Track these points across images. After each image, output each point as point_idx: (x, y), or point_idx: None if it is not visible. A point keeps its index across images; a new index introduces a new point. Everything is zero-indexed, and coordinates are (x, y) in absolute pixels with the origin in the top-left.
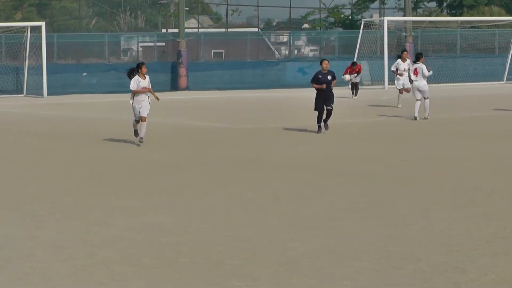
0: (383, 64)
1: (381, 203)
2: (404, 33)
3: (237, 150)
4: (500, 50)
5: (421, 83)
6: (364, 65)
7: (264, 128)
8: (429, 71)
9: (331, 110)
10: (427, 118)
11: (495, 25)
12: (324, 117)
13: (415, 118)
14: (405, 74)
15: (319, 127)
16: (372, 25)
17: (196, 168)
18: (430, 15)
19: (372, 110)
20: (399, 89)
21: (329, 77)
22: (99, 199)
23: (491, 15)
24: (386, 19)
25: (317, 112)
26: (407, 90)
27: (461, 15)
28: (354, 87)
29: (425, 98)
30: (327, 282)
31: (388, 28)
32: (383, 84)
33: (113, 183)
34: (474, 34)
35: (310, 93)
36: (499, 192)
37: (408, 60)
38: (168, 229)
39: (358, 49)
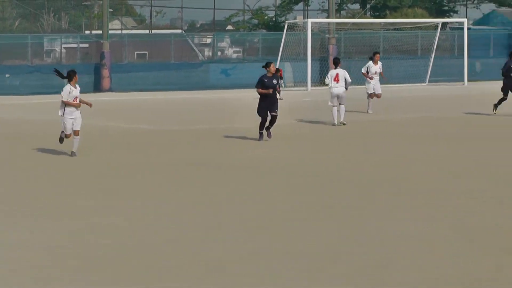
0: (306, 66)
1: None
2: (327, 35)
3: (177, 153)
4: (423, 52)
5: (341, 89)
6: (287, 66)
7: (197, 129)
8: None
9: (276, 116)
10: (344, 124)
11: (418, 27)
12: (267, 123)
13: (334, 124)
14: (376, 77)
15: (261, 134)
16: (296, 26)
17: (142, 171)
18: (353, 17)
19: (296, 111)
20: (369, 93)
21: (275, 81)
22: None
23: (414, 17)
24: (309, 21)
25: (260, 118)
26: (378, 96)
27: (384, 17)
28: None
29: (340, 104)
30: None
31: (311, 30)
32: (306, 86)
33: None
34: (397, 36)
35: (235, 95)
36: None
37: (380, 63)
38: (110, 232)
39: (282, 51)
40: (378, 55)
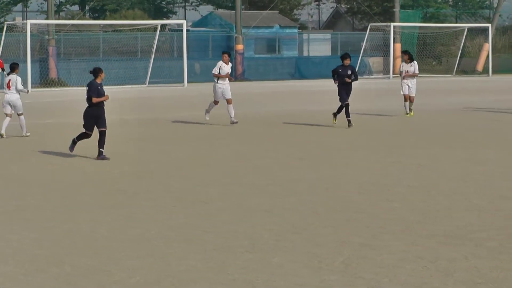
0: (26, 67)
1: (27, 206)
2: (47, 36)
3: None
4: (143, 54)
5: (13, 96)
6: (7, 68)
7: None
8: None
9: (104, 132)
10: (27, 135)
11: (138, 28)
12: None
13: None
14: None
15: (73, 143)
16: (15, 28)
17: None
18: (73, 18)
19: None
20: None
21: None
22: None
23: (133, 19)
24: (29, 22)
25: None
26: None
27: (104, 18)
28: None
29: (19, 115)
30: None
31: (31, 31)
32: (27, 87)
33: None
34: (116, 37)
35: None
36: (143, 194)
37: (231, 64)
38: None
39: (1, 52)
40: (226, 55)
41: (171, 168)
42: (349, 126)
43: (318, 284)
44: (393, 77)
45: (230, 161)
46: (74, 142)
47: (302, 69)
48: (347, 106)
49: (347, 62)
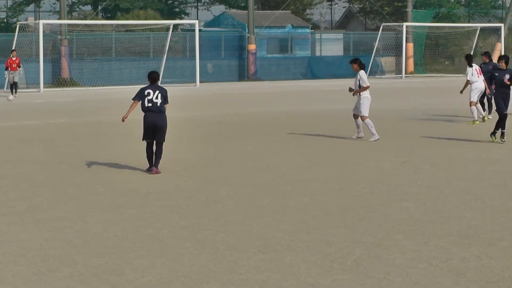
0: (39, 67)
1: (39, 206)
2: (59, 36)
3: None
4: (155, 54)
5: None
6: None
7: None
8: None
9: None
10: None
11: (150, 28)
12: None
13: None
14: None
15: None
16: (28, 28)
17: None
18: (85, 18)
19: (29, 113)
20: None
21: (507, 76)
22: None
23: (146, 19)
24: (41, 22)
25: None
26: None
27: (116, 18)
28: (15, 86)
29: None
30: None
31: (43, 31)
32: (39, 87)
33: None
34: (129, 37)
35: None
36: (155, 194)
37: None
38: None
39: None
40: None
41: (182, 167)
42: (502, 140)
43: (330, 283)
44: (405, 76)
45: (242, 161)
46: None
47: (314, 69)
48: (505, 116)
49: (503, 65)
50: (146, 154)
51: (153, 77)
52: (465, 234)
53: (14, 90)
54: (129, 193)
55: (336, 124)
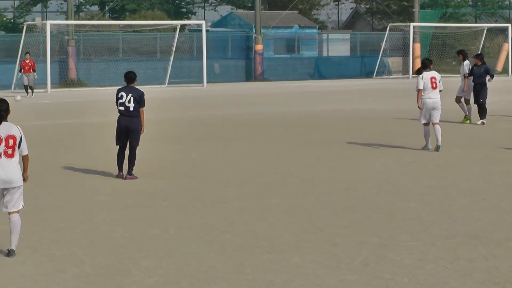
0: (46, 68)
1: (46, 206)
2: (66, 37)
3: None
4: (162, 54)
5: None
6: None
7: None
8: None
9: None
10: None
11: (157, 29)
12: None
13: None
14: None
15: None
16: (35, 28)
17: None
18: (92, 18)
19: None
20: None
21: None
22: None
23: (153, 19)
24: (48, 22)
25: None
26: None
27: (123, 19)
28: (30, 87)
29: None
30: None
31: (51, 32)
32: (46, 88)
33: None
34: (136, 38)
35: None
36: (161, 194)
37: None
38: None
39: (21, 52)
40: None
41: (189, 168)
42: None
43: (337, 284)
44: (412, 77)
45: (248, 161)
46: None
47: (322, 69)
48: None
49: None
50: (116, 159)
51: (128, 77)
52: (472, 235)
53: (31, 91)
54: (136, 193)
55: (343, 124)
